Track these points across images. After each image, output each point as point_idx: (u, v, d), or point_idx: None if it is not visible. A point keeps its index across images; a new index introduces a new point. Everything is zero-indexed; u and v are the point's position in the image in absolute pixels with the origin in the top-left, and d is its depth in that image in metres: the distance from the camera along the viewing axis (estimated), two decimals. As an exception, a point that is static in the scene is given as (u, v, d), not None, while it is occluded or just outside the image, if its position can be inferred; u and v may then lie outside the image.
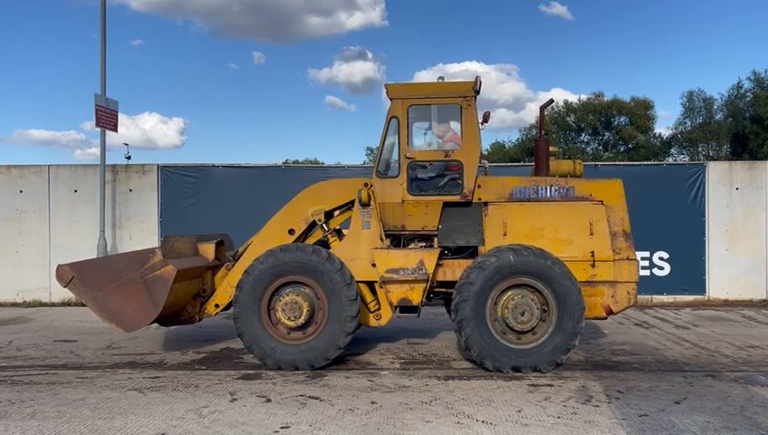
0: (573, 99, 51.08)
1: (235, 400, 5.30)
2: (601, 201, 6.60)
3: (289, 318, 6.28)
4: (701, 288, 11.31)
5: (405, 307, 6.60)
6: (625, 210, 6.63)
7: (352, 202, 6.90)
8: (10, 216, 11.70)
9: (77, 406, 5.14)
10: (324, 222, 6.98)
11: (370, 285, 6.69)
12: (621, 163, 24.11)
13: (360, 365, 6.60)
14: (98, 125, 11.38)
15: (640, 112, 46.12)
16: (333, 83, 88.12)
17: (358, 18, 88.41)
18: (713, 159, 35.82)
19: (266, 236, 7.01)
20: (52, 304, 11.48)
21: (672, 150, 45.25)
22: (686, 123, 44.38)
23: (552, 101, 7.83)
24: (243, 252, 7.22)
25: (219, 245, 7.39)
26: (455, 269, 6.57)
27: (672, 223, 11.19)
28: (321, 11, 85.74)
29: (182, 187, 11.72)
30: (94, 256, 8.84)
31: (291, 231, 6.97)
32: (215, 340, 7.99)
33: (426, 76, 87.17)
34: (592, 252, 6.44)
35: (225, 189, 11.70)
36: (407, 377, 6.07)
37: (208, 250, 7.15)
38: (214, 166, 11.92)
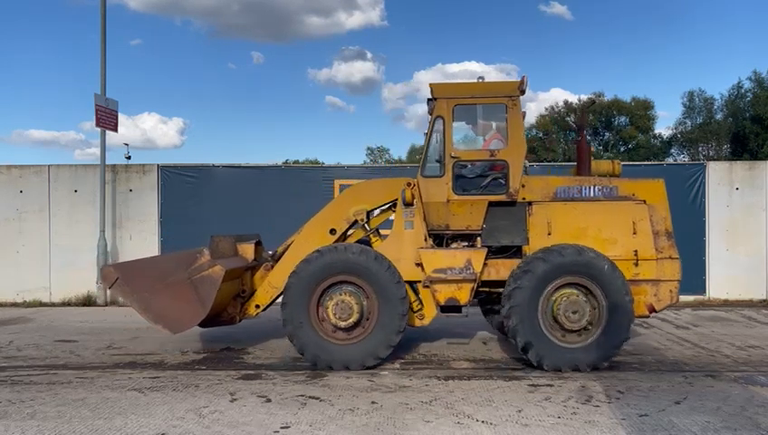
0: (573, 99, 51.02)
1: (235, 400, 5.30)
2: (644, 201, 6.66)
3: (340, 318, 6.28)
4: (701, 288, 11.31)
5: (445, 307, 6.59)
6: (667, 210, 6.70)
7: (393, 202, 6.93)
8: (10, 216, 11.70)
9: (77, 406, 5.14)
10: (366, 222, 6.96)
11: (412, 284, 6.69)
12: (621, 163, 24.11)
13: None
14: (98, 125, 11.38)
15: (640, 112, 46.12)
16: (333, 83, 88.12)
17: (357, 18, 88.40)
18: (713, 159, 35.79)
19: (308, 236, 7.01)
20: (53, 304, 11.49)
21: (672, 150, 45.26)
22: (686, 123, 44.40)
23: (593, 101, 7.90)
24: (282, 252, 7.19)
25: (257, 245, 7.35)
26: (499, 269, 6.61)
27: (672, 223, 11.16)
28: (320, 11, 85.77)
29: (182, 187, 11.73)
30: (134, 257, 8.50)
31: (332, 231, 6.95)
32: (215, 340, 7.99)
33: (425, 76, 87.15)
34: (636, 251, 6.51)
35: (225, 189, 11.70)
36: (407, 377, 6.07)
37: (248, 250, 7.11)
38: (214, 166, 11.93)
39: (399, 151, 74.28)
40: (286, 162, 31.95)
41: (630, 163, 17.57)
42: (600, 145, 49.54)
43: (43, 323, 9.54)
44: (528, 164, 7.72)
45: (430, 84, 6.77)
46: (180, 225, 11.65)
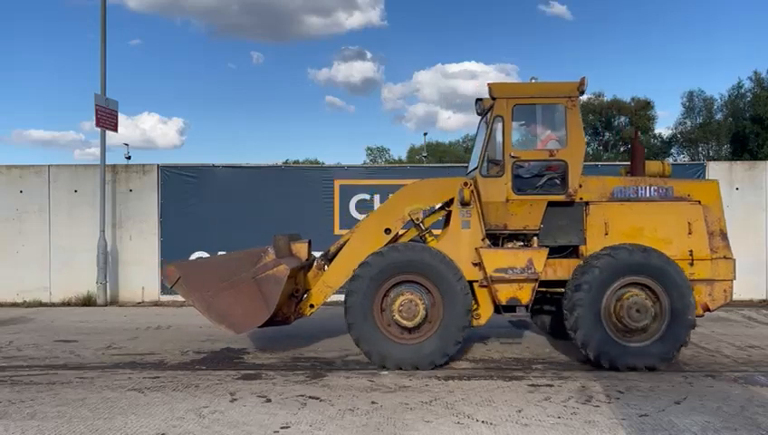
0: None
1: (235, 400, 5.30)
2: (699, 201, 6.68)
3: (405, 318, 6.28)
4: (701, 288, 11.29)
5: (507, 306, 6.58)
6: (722, 210, 6.74)
7: (446, 202, 6.94)
8: (10, 216, 11.70)
9: (77, 406, 5.14)
10: (421, 221, 6.98)
11: (469, 284, 6.66)
12: (622, 163, 24.13)
13: (360, 365, 6.60)
14: (98, 125, 11.39)
15: (640, 112, 46.13)
16: (332, 83, 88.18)
17: (357, 18, 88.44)
18: (713, 159, 35.83)
19: (363, 236, 7.00)
20: (52, 304, 11.49)
21: (672, 150, 45.28)
22: (686, 123, 44.43)
23: (648, 102, 7.94)
24: (335, 252, 7.19)
25: (308, 244, 7.34)
26: (556, 269, 6.62)
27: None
28: (320, 11, 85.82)
29: (182, 187, 11.73)
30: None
31: (387, 230, 6.94)
32: (215, 340, 7.99)
33: (425, 76, 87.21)
34: (691, 251, 6.54)
35: (225, 189, 11.71)
36: (407, 377, 6.07)
37: (302, 250, 7.10)
38: (214, 166, 11.93)
39: (399, 151, 74.32)
40: (286, 162, 31.94)
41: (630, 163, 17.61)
42: (599, 145, 49.56)
43: (43, 323, 9.54)
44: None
45: (489, 84, 6.78)
46: (180, 225, 11.66)
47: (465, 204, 6.70)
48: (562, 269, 6.59)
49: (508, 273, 6.47)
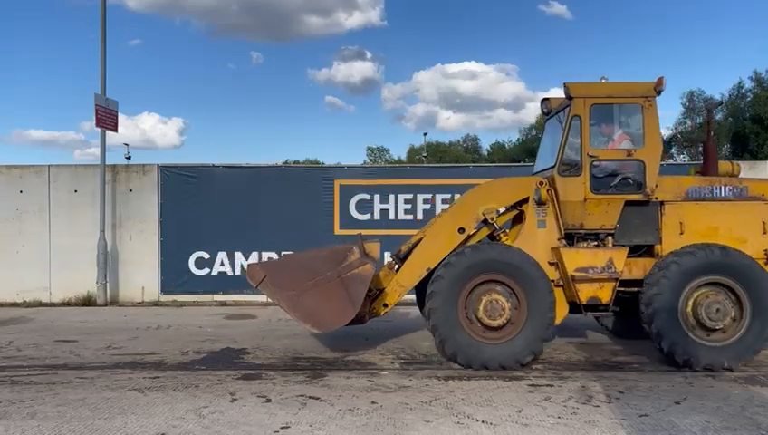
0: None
1: (235, 400, 5.30)
2: None
3: (491, 318, 6.28)
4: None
5: (582, 306, 6.58)
6: None
7: (519, 201, 6.95)
8: (10, 216, 11.70)
9: (77, 406, 5.14)
10: (495, 220, 6.97)
11: None
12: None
13: (360, 365, 6.60)
14: (98, 125, 11.39)
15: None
16: (332, 83, 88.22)
17: (357, 18, 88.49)
18: (713, 159, 35.72)
19: (436, 235, 6.98)
20: (52, 304, 11.49)
21: (672, 150, 45.25)
22: (686, 123, 44.41)
23: (720, 102, 7.97)
24: (407, 251, 7.18)
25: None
26: (632, 268, 6.62)
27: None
28: (319, 10, 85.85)
29: (182, 187, 11.73)
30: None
31: (461, 230, 6.90)
32: (215, 340, 7.99)
33: (425, 76, 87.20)
34: (766, 250, 6.57)
35: (225, 189, 11.71)
36: (407, 377, 6.07)
37: (374, 249, 7.05)
38: (214, 166, 11.93)
39: (399, 151, 74.26)
40: (286, 162, 31.93)
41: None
42: (599, 145, 49.42)
43: (43, 323, 9.54)
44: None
45: (566, 84, 6.79)
46: (180, 225, 11.66)
47: (540, 203, 6.72)
48: (637, 268, 6.60)
49: (589, 272, 6.47)
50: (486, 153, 58.65)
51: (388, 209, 11.59)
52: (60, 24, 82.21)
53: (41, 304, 11.48)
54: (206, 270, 11.64)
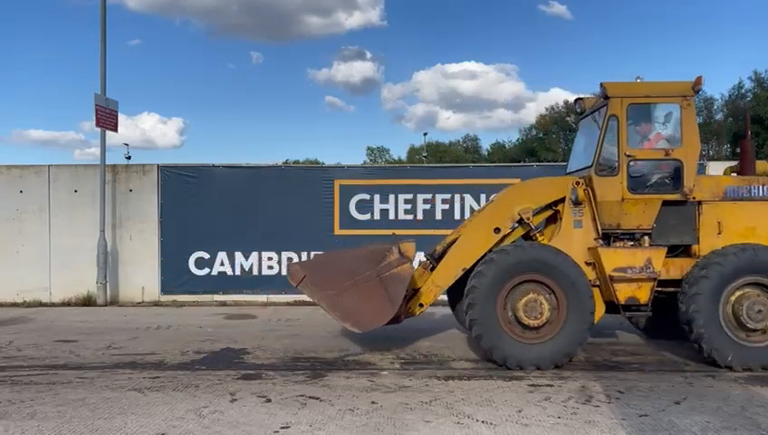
0: (573, 99, 51.04)
1: (235, 400, 5.30)
2: None
3: (530, 317, 6.28)
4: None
5: (621, 306, 6.57)
6: None
7: (555, 202, 6.96)
8: (10, 216, 11.70)
9: (77, 406, 5.14)
10: (529, 220, 6.96)
11: None
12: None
13: (360, 365, 6.60)
14: (98, 125, 11.39)
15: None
16: (332, 83, 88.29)
17: (357, 18, 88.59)
18: (713, 158, 35.81)
19: (472, 235, 6.99)
20: (52, 304, 11.49)
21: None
22: (686, 123, 44.34)
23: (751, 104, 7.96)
24: (441, 251, 7.18)
25: None
26: (669, 268, 6.61)
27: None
28: (319, 10, 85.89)
29: (182, 187, 11.73)
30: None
31: (497, 230, 6.91)
32: (215, 340, 7.99)
33: (425, 76, 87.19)
34: None
35: (225, 189, 11.71)
36: (407, 377, 6.07)
37: (410, 249, 7.04)
38: (214, 166, 11.93)
39: (399, 151, 74.36)
40: (286, 162, 31.95)
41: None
42: (599, 145, 49.45)
43: (43, 323, 9.54)
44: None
45: (603, 84, 6.79)
46: (180, 225, 11.66)
47: (577, 203, 6.71)
48: (675, 268, 6.60)
49: (627, 272, 6.46)
50: (486, 153, 58.70)
51: (388, 209, 11.58)
52: (60, 24, 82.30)
53: (41, 304, 11.48)
54: (206, 270, 11.64)
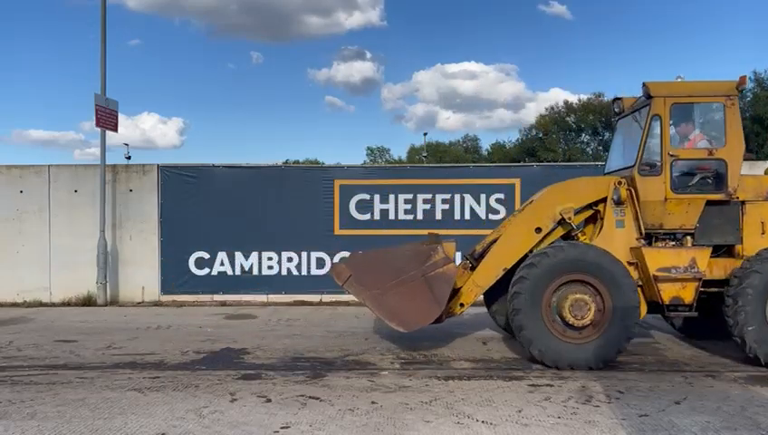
0: (573, 99, 51.05)
1: (235, 400, 5.30)
2: None
3: (575, 317, 6.27)
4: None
5: (665, 306, 6.57)
6: None
7: (596, 201, 6.95)
8: (10, 216, 11.69)
9: (77, 406, 5.14)
10: (570, 220, 6.94)
11: None
12: (621, 163, 24.02)
13: (360, 365, 6.60)
14: (98, 125, 11.38)
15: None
16: (332, 83, 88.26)
17: (357, 18, 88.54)
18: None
19: (513, 235, 6.99)
20: (53, 304, 11.49)
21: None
22: (686, 123, 44.34)
23: None
24: (481, 251, 7.17)
25: None
26: (712, 268, 6.60)
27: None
28: (319, 10, 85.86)
29: (182, 187, 11.72)
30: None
31: (538, 229, 6.90)
32: (215, 340, 7.99)
33: (425, 76, 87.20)
34: None
35: (225, 189, 11.70)
36: (407, 377, 6.07)
37: (451, 249, 7.06)
38: (214, 166, 11.92)
39: (399, 151, 74.31)
40: (286, 162, 31.93)
41: (630, 163, 17.57)
42: (599, 145, 49.50)
43: (43, 323, 9.54)
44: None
45: (646, 83, 6.78)
46: (180, 225, 11.66)
47: (619, 203, 6.71)
48: (718, 269, 6.59)
49: (672, 272, 6.46)
50: (486, 153, 58.66)
51: (388, 209, 11.58)
52: (60, 24, 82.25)
53: (41, 304, 11.48)
54: (206, 270, 11.63)
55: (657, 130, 6.65)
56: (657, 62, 70.57)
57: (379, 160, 63.03)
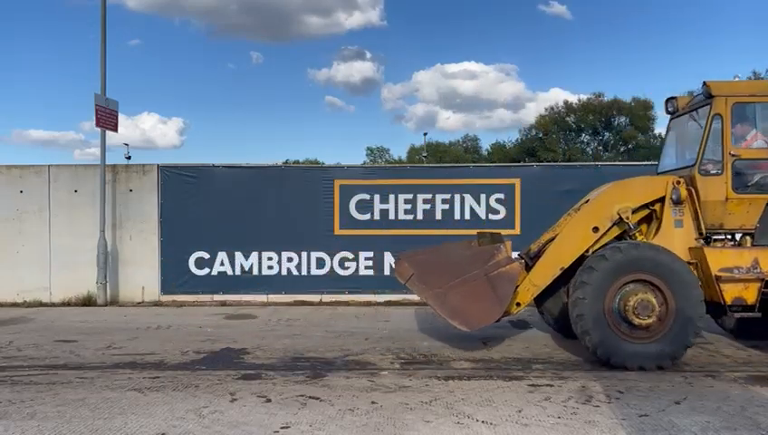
0: (573, 99, 51.04)
1: (235, 400, 5.30)
2: None
3: (639, 316, 6.24)
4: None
5: (727, 307, 6.55)
6: None
7: (653, 201, 6.93)
8: (10, 216, 11.69)
9: (77, 406, 5.14)
10: (628, 219, 6.91)
11: None
12: (622, 163, 24.05)
13: (360, 365, 6.60)
14: (98, 125, 11.38)
15: (640, 112, 46.11)
16: (332, 83, 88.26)
17: (356, 18, 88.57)
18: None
19: (570, 234, 6.96)
20: (53, 304, 11.48)
21: (672, 150, 45.15)
22: (686, 123, 44.36)
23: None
24: (536, 250, 7.15)
25: None
26: None
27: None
28: (319, 10, 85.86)
29: (182, 187, 11.72)
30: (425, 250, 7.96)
31: (595, 229, 6.88)
32: (215, 340, 7.99)
33: (425, 76, 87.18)
34: None
35: (225, 189, 11.70)
36: (407, 377, 6.07)
37: (507, 248, 7.05)
38: (214, 166, 11.92)
39: (399, 151, 74.30)
40: (286, 162, 31.93)
41: (630, 163, 17.54)
42: (599, 145, 49.53)
43: (43, 323, 9.54)
44: None
45: (707, 82, 6.76)
46: (180, 225, 11.66)
47: (678, 202, 6.70)
48: None
49: (734, 272, 6.43)
50: (486, 153, 58.67)
51: (388, 209, 11.57)
52: (60, 24, 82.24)
53: (41, 304, 11.48)
54: (206, 270, 11.63)
55: (718, 130, 6.62)
56: (657, 62, 70.60)
57: (379, 160, 63.02)
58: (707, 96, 6.76)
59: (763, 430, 4.52)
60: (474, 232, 10.83)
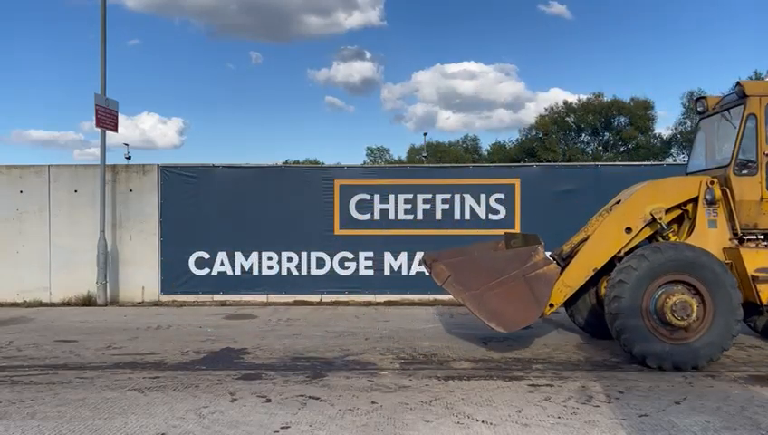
0: (573, 99, 51.03)
1: (235, 400, 5.30)
2: None
3: (677, 317, 6.21)
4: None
5: (765, 307, 6.53)
6: None
7: (686, 201, 6.92)
8: (10, 216, 11.69)
9: (77, 406, 5.14)
10: (661, 220, 6.89)
11: None
12: (621, 163, 24.05)
13: (360, 365, 6.60)
14: (98, 125, 11.38)
15: (640, 112, 46.12)
16: (332, 83, 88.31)
17: (356, 18, 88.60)
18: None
19: (603, 235, 6.93)
20: (52, 304, 11.49)
21: (672, 150, 45.28)
22: (686, 123, 44.43)
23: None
24: (568, 251, 7.14)
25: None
26: None
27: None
28: (319, 10, 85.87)
29: (182, 187, 11.72)
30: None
31: (628, 229, 6.85)
32: (215, 340, 7.99)
33: (424, 76, 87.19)
34: None
35: (225, 189, 11.70)
36: (407, 377, 6.07)
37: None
38: (214, 166, 11.92)
39: (399, 151, 74.33)
40: (286, 162, 31.96)
41: (630, 163, 17.57)
42: (599, 145, 49.54)
43: (43, 323, 9.54)
44: None
45: (741, 82, 6.76)
46: (180, 225, 11.66)
47: (711, 203, 6.69)
48: None
49: None
50: (486, 153, 58.68)
51: (388, 209, 11.57)
52: (60, 24, 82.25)
53: (41, 304, 11.48)
54: (206, 270, 11.63)
55: (752, 130, 6.61)
56: (657, 62, 70.59)
57: (379, 160, 63.04)
58: (741, 96, 6.74)
59: (762, 430, 4.52)
60: (473, 232, 10.92)
